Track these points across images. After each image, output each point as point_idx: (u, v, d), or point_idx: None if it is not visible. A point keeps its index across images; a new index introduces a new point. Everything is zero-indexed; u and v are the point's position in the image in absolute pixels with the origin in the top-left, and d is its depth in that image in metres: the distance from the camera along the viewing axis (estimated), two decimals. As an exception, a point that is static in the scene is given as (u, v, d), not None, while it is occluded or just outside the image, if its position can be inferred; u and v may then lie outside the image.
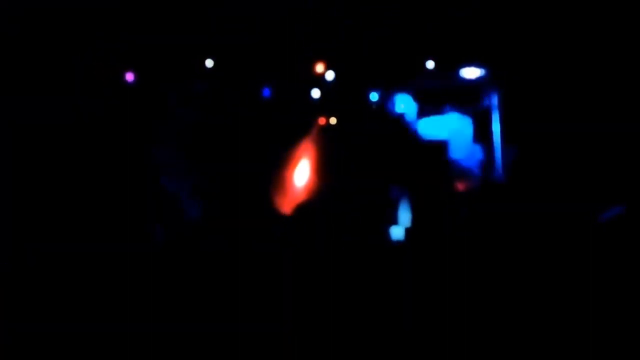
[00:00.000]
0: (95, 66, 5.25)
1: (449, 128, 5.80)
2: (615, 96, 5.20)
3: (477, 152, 5.79)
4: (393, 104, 5.78)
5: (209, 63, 5.48)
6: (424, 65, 5.62)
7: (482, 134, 5.75)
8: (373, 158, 5.60)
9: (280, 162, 5.66)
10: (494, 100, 5.65)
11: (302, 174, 5.68)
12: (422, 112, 5.82)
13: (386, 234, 5.47)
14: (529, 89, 5.41)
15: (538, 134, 5.33)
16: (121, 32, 5.23)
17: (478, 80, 5.67)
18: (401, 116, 5.79)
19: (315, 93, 5.70)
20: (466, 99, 5.76)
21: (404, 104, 5.78)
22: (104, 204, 5.26)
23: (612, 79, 5.21)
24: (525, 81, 5.42)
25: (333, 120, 5.72)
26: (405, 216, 5.51)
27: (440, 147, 5.76)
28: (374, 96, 5.70)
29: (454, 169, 5.75)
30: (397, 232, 5.47)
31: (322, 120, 5.76)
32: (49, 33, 5.08)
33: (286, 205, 5.57)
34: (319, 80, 5.67)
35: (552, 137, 5.30)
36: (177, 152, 5.54)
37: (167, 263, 5.11)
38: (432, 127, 5.85)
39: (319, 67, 5.63)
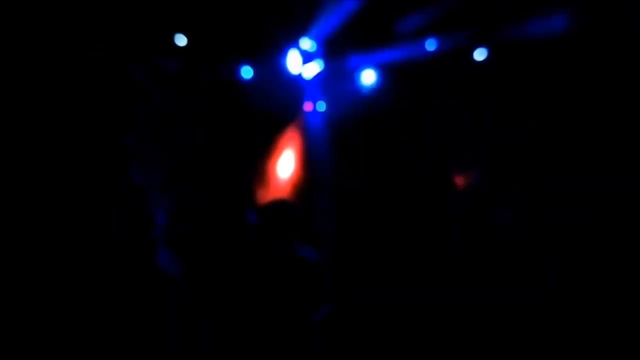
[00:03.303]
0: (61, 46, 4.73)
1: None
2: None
3: None
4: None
5: (181, 39, 4.91)
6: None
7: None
8: (365, 147, 5.14)
9: (262, 151, 5.19)
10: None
11: (285, 164, 5.23)
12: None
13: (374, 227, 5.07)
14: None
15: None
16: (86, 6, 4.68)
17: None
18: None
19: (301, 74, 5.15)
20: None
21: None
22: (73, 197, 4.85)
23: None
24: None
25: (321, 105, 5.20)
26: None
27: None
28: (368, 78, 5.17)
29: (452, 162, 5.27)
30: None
31: (308, 106, 5.25)
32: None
33: (268, 198, 5.07)
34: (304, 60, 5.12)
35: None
36: (147, 139, 5.00)
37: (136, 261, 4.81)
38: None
39: (305, 45, 5.08)
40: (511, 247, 4.83)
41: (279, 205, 4.86)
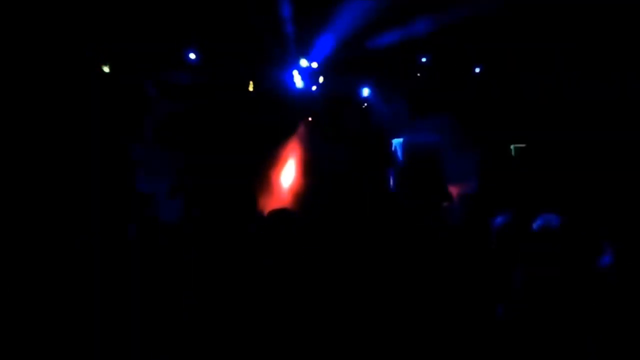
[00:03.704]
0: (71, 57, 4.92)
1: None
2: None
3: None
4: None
5: (193, 54, 5.13)
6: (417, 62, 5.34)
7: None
8: (361, 157, 5.30)
9: (265, 161, 5.34)
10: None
11: (288, 173, 5.38)
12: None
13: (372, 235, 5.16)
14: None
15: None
16: (97, 19, 4.90)
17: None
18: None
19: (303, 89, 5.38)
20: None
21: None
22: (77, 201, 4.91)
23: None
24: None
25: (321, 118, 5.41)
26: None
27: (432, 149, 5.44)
28: (364, 93, 5.40)
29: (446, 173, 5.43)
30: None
31: (309, 117, 5.45)
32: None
33: (271, 206, 5.22)
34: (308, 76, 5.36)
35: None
36: (155, 148, 5.18)
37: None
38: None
39: (304, 63, 5.33)
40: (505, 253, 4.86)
41: (279, 214, 4.99)
